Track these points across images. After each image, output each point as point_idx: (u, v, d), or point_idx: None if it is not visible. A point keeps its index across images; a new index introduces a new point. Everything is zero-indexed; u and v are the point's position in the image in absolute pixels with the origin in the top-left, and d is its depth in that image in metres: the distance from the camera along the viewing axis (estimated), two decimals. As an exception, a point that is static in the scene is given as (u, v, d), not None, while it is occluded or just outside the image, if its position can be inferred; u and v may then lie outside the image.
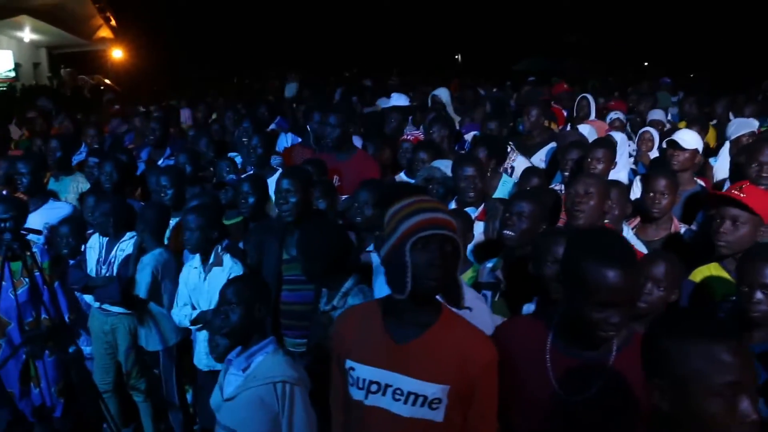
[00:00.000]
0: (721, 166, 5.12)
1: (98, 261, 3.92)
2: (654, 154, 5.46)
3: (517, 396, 1.82)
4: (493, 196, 3.96)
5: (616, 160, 4.20)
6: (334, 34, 25.47)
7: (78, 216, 4.42)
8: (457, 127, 5.91)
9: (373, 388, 1.84)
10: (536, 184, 4.00)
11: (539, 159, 5.27)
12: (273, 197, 3.78)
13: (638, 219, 3.65)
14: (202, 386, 3.58)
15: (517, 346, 1.84)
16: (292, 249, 3.23)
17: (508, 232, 2.82)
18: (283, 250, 3.36)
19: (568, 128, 6.95)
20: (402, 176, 4.62)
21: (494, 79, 14.34)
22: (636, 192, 4.27)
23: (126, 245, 3.91)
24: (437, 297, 1.85)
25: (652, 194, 3.41)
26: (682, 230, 3.55)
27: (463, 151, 5.10)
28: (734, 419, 1.25)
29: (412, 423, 1.79)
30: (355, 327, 1.93)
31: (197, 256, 3.55)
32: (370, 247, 3.45)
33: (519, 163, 4.81)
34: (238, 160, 4.82)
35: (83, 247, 4.08)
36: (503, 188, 4.17)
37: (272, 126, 6.42)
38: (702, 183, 4.26)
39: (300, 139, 6.26)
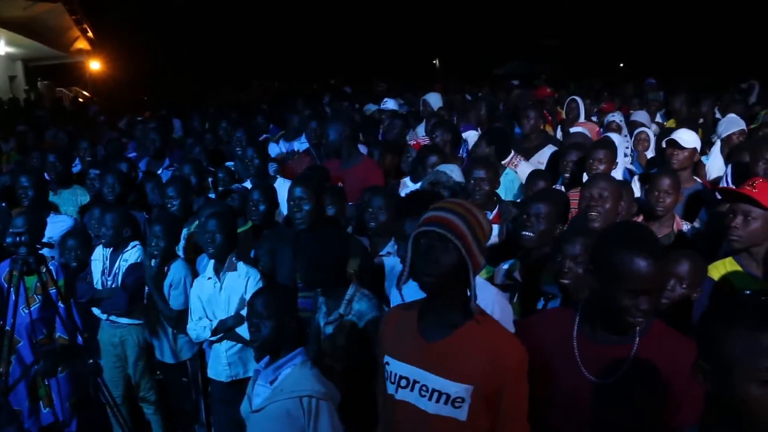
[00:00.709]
0: (713, 164, 5.25)
1: (103, 272, 3.90)
2: (650, 153, 5.56)
3: (547, 384, 1.88)
4: (498, 190, 4.02)
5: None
6: (313, 42, 25.47)
7: (82, 228, 4.39)
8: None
9: (403, 383, 1.91)
10: (543, 187, 4.06)
11: (537, 162, 5.33)
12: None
13: (641, 217, 3.73)
14: (219, 398, 3.56)
15: (544, 336, 1.93)
16: None
17: (527, 234, 2.86)
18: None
19: (559, 131, 7.09)
20: (406, 182, 4.65)
21: (475, 83, 14.46)
22: (635, 191, 4.36)
23: (129, 255, 3.91)
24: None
25: (656, 193, 3.48)
26: (685, 228, 3.63)
27: (463, 153, 5.15)
28: None
29: (437, 420, 1.84)
30: (395, 325, 2.01)
31: (210, 267, 3.54)
32: (383, 252, 3.49)
33: (522, 168, 4.86)
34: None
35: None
36: (506, 179, 4.28)
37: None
38: (701, 181, 4.36)
39: (293, 146, 6.29)
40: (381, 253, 3.47)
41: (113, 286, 3.84)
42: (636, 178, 4.74)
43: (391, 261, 3.30)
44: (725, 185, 4.30)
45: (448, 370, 1.83)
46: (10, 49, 19.15)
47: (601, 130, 6.07)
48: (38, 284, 3.48)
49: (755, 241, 2.74)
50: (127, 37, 21.35)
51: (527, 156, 5.25)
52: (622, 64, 25.12)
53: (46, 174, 4.99)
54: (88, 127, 7.84)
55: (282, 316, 2.38)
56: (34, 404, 3.83)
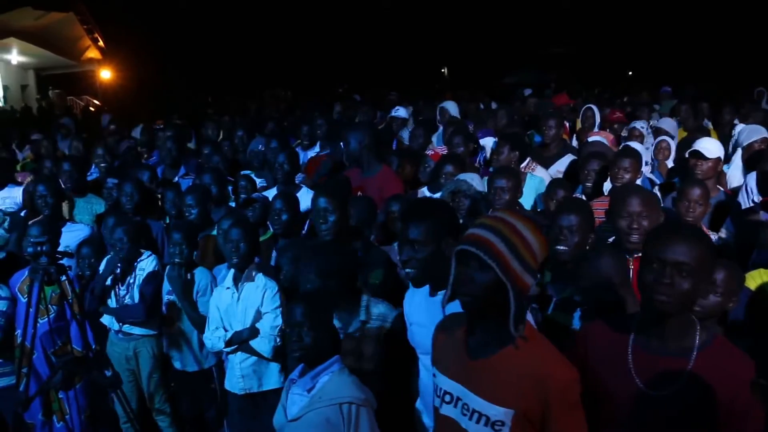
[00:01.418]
0: (735, 173, 5.18)
1: (115, 282, 3.83)
2: (670, 162, 5.49)
3: (601, 396, 1.83)
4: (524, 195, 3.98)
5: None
6: (321, 52, 25.55)
7: (98, 237, 4.36)
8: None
9: (447, 398, 1.87)
10: (563, 196, 4.01)
11: (556, 171, 5.28)
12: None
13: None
14: (237, 410, 3.51)
15: (598, 347, 1.88)
16: None
17: (561, 248, 2.80)
18: None
19: (574, 139, 7.03)
20: (424, 191, 4.61)
21: (487, 92, 14.43)
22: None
23: (145, 264, 3.86)
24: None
25: (686, 203, 3.44)
26: (713, 238, 3.57)
27: (480, 161, 5.11)
28: None
29: None
30: (445, 335, 1.96)
31: (229, 277, 3.50)
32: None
33: (539, 174, 4.81)
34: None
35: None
36: (531, 182, 4.29)
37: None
38: (724, 190, 4.30)
39: (308, 156, 6.26)
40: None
41: (127, 295, 3.81)
42: (657, 188, 4.68)
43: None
44: (747, 194, 4.25)
45: (489, 391, 1.77)
46: (23, 59, 19.33)
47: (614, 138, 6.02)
48: (54, 294, 3.45)
49: (793, 253, 2.68)
50: (138, 46, 21.46)
51: (546, 165, 5.20)
52: (630, 72, 25.09)
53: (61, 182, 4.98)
54: (103, 136, 7.84)
55: (322, 324, 2.36)
56: (47, 418, 3.78)
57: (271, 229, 3.98)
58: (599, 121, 6.90)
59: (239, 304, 3.44)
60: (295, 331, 2.33)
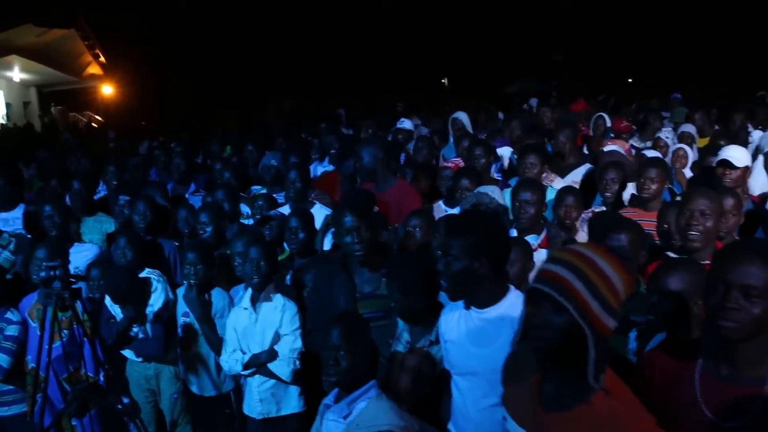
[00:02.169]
0: (757, 180, 5.08)
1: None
2: (687, 171, 5.39)
3: (667, 427, 1.67)
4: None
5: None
6: (322, 64, 25.55)
7: (107, 258, 4.24)
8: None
9: None
10: (571, 203, 3.89)
11: (572, 180, 5.18)
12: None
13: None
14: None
15: (664, 374, 1.76)
16: (361, 287, 3.08)
17: None
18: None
19: (585, 148, 6.94)
20: (440, 205, 4.50)
21: (490, 101, 14.39)
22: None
23: (154, 300, 3.69)
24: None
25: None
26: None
27: (496, 171, 5.02)
28: None
29: None
30: (515, 376, 1.80)
31: (247, 297, 3.39)
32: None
33: (558, 185, 4.71)
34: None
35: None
36: (553, 196, 4.11)
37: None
38: (752, 199, 4.19)
39: (317, 169, 6.17)
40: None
41: (139, 330, 3.68)
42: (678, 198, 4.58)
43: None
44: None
45: None
46: (25, 76, 19.29)
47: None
48: (64, 318, 3.33)
49: None
50: (139, 61, 21.45)
51: (562, 174, 5.11)
52: (630, 80, 25.06)
53: (69, 201, 4.87)
54: (111, 152, 7.74)
55: (360, 347, 2.27)
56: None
57: (287, 249, 3.87)
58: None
59: (257, 326, 3.33)
60: (331, 354, 2.24)
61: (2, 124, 17.33)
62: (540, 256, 3.33)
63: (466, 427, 2.33)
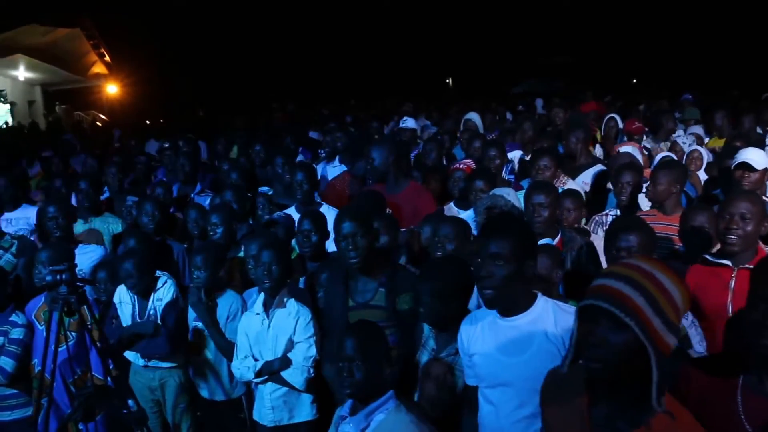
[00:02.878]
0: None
1: (133, 315, 3.63)
2: (701, 173, 5.31)
3: None
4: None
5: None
6: (324, 64, 25.51)
7: (112, 259, 4.17)
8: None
9: None
10: (568, 206, 3.83)
11: (582, 182, 5.12)
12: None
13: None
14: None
15: (703, 389, 1.70)
16: (357, 296, 3.01)
17: None
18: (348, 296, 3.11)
19: (597, 149, 6.86)
20: (452, 207, 4.43)
21: (497, 102, 14.29)
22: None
23: (163, 293, 3.63)
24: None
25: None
26: (768, 253, 3.36)
27: (511, 174, 4.94)
28: None
29: None
30: (559, 398, 1.69)
31: (259, 302, 3.31)
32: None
33: (570, 187, 4.63)
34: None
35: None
36: None
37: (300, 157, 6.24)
38: (770, 202, 4.10)
39: (326, 170, 6.09)
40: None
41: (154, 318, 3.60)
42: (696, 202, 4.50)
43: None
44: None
45: None
46: (30, 75, 19.24)
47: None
48: (72, 321, 3.26)
49: None
50: (144, 60, 21.42)
51: (573, 175, 5.05)
52: (635, 80, 24.95)
53: (75, 201, 4.81)
54: (117, 152, 7.66)
55: (375, 358, 2.18)
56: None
57: (297, 250, 3.80)
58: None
59: (270, 332, 3.24)
60: (345, 365, 2.15)
61: (7, 123, 17.30)
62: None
63: None
